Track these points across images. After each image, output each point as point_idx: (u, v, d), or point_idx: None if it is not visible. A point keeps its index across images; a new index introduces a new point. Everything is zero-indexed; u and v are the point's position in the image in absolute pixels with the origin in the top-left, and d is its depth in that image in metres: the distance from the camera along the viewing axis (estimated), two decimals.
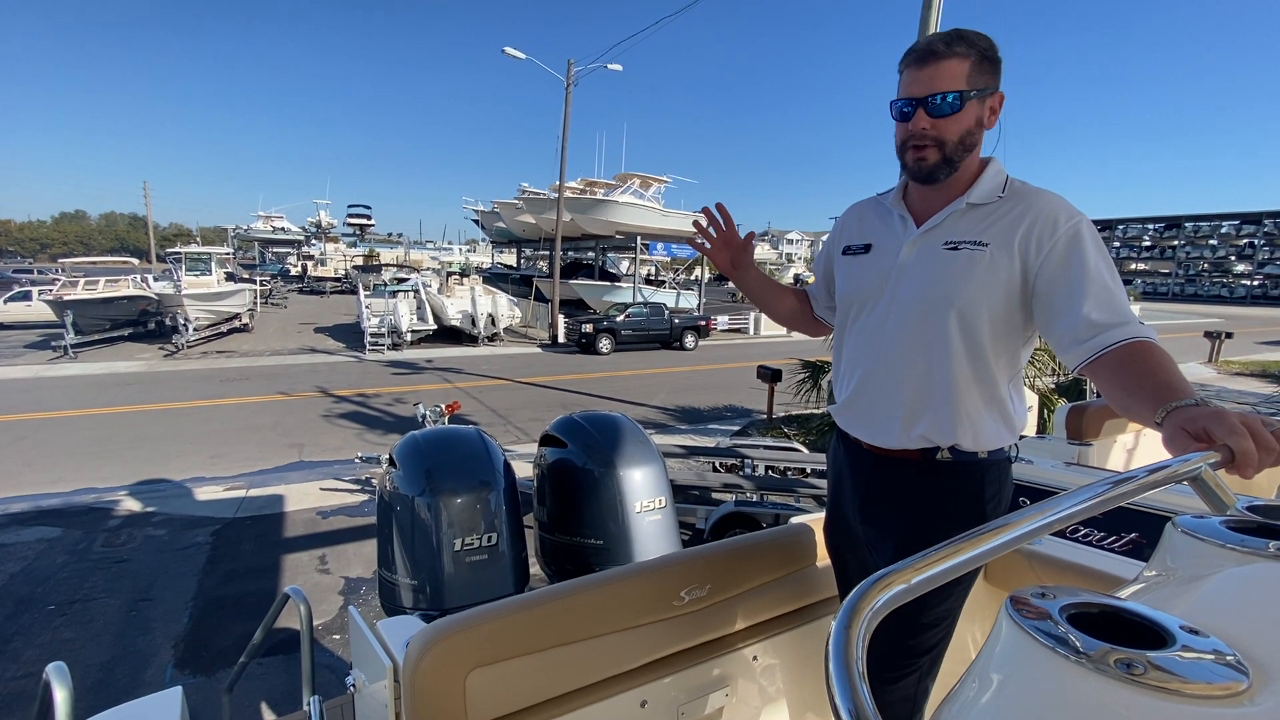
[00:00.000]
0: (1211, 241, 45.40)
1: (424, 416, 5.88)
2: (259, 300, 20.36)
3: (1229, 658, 0.32)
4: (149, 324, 16.44)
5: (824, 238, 1.57)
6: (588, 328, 16.18)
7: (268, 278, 28.86)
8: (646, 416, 9.74)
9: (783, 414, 9.07)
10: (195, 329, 15.18)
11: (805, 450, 6.34)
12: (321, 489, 6.30)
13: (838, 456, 1.43)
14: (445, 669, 1.06)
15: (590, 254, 27.73)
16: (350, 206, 59.36)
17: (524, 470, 3.54)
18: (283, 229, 52.10)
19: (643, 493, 2.05)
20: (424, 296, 17.29)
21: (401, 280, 21.50)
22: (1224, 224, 44.82)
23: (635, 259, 24.99)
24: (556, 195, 19.20)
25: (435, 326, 16.78)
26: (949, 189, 1.25)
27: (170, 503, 5.92)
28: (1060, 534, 1.82)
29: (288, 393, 10.70)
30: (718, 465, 6.04)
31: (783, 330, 21.15)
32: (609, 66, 16.92)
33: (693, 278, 28.21)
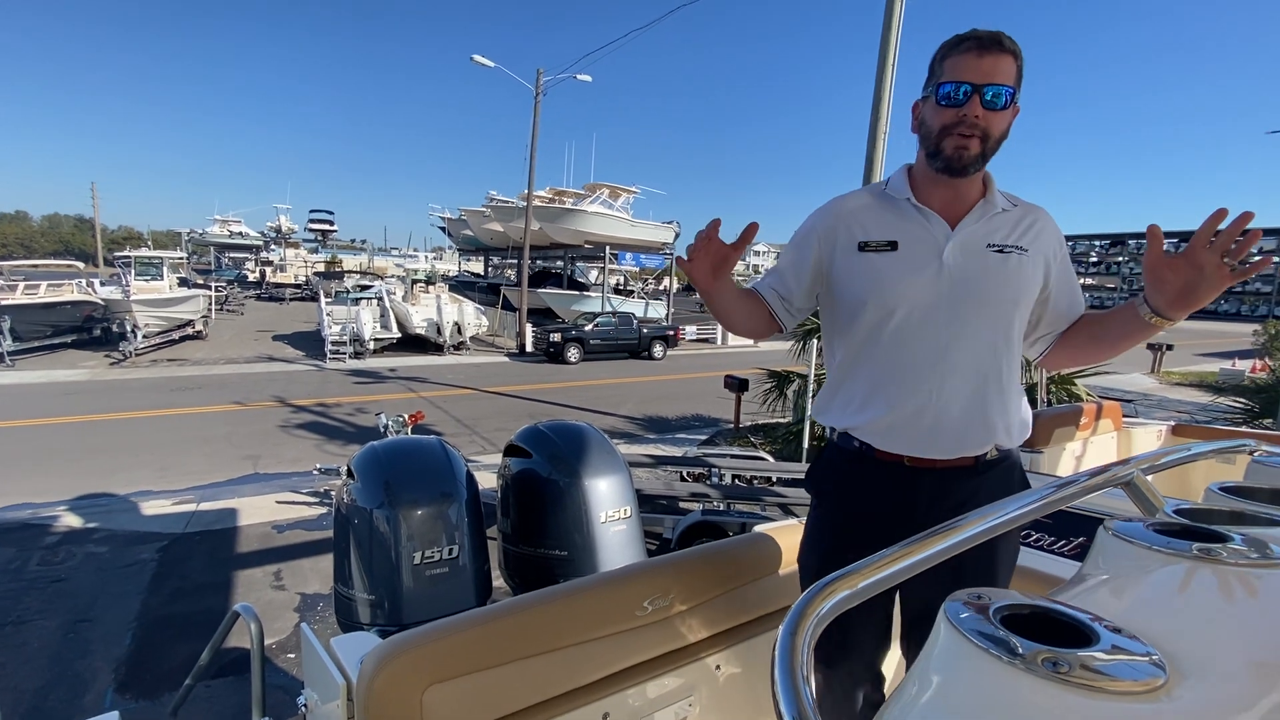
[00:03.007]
0: None
1: (386, 426, 5.75)
2: (214, 307, 19.70)
3: (1149, 655, 0.33)
4: (94, 330, 15.73)
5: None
6: (556, 337, 16.10)
7: (224, 283, 27.94)
8: (615, 426, 9.72)
9: (749, 423, 9.15)
10: (144, 336, 14.59)
11: (771, 459, 6.40)
12: (277, 502, 6.09)
13: (855, 478, 1.30)
14: (401, 686, 1.03)
15: (559, 263, 27.65)
16: (312, 211, 58.08)
17: (489, 481, 3.49)
18: (240, 234, 50.62)
19: (608, 503, 2.04)
20: (388, 304, 16.97)
21: (365, 287, 21.06)
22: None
23: (604, 268, 25.01)
24: (525, 204, 19.13)
25: (399, 335, 16.48)
26: (967, 190, 1.25)
27: (113, 518, 5.65)
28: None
29: (243, 402, 10.35)
30: (685, 474, 6.06)
31: (750, 341, 21.39)
32: (578, 77, 16.99)
33: (661, 288, 28.38)
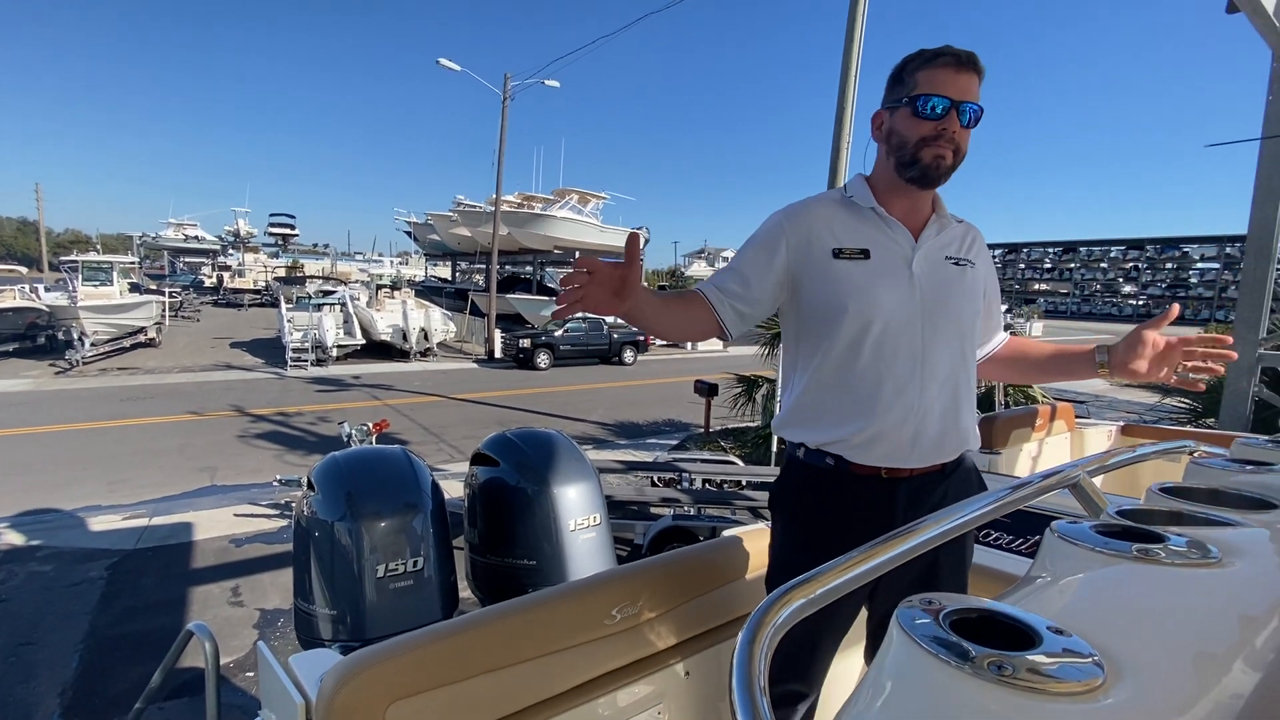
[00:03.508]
0: (1102, 265, 49.82)
1: (349, 435, 5.61)
2: (167, 313, 19.01)
3: (1088, 655, 0.35)
4: (38, 339, 15.03)
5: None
6: (525, 343, 15.98)
7: (178, 289, 27.00)
8: (585, 432, 9.68)
9: (719, 428, 9.21)
10: (93, 344, 13.99)
11: (741, 463, 6.45)
12: (235, 515, 5.90)
13: (831, 496, 1.26)
14: (362, 703, 1.01)
15: (528, 268, 27.46)
16: (272, 215, 56.51)
17: (456, 490, 3.44)
18: (196, 238, 48.99)
19: (577, 510, 2.03)
20: (351, 310, 16.62)
21: (327, 293, 20.59)
22: (1113, 249, 49.32)
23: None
24: (493, 208, 18.97)
25: (363, 341, 16.15)
26: (924, 202, 1.29)
27: (59, 535, 5.39)
28: (975, 539, 1.93)
29: (199, 412, 10.00)
30: (656, 480, 6.06)
31: (719, 345, 21.59)
32: (546, 83, 16.95)
33: None
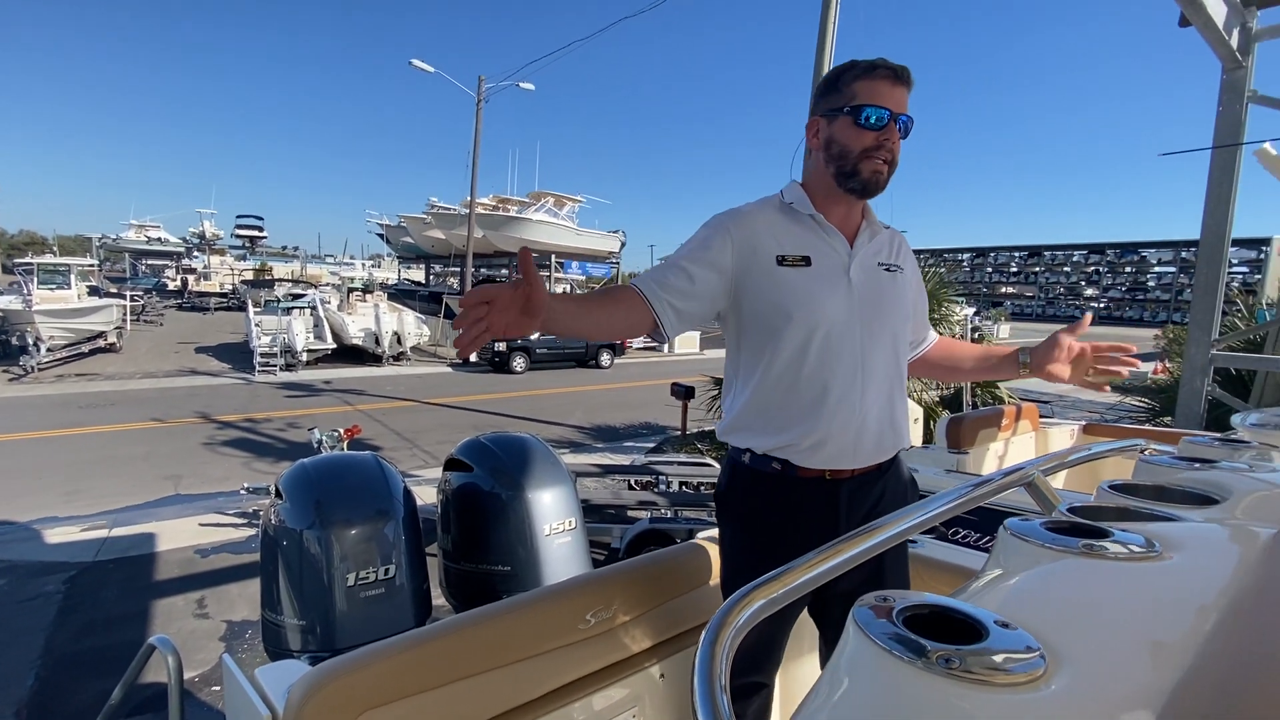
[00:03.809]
0: (1066, 268, 51.31)
1: (320, 442, 5.51)
2: (129, 317, 18.43)
3: (1031, 647, 0.36)
4: None
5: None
6: (501, 346, 15.85)
7: (140, 292, 26.17)
8: (563, 436, 9.64)
9: (696, 430, 9.26)
10: (49, 349, 13.51)
11: (718, 465, 6.49)
12: (201, 524, 5.74)
13: (778, 499, 1.28)
14: (331, 714, 0.99)
15: (503, 271, 27.29)
16: (239, 217, 55.21)
17: (430, 496, 3.39)
18: (159, 239, 47.59)
19: (552, 515, 2.03)
20: (322, 313, 16.32)
21: (297, 296, 20.16)
22: (1075, 253, 50.85)
23: (550, 277, 24.85)
24: (467, 211, 18.81)
25: (334, 345, 15.87)
26: (857, 210, 1.33)
27: (12, 548, 5.18)
28: (942, 536, 1.97)
29: (162, 419, 9.72)
30: (633, 483, 6.07)
31: (697, 348, 21.66)
32: (521, 85, 16.90)
33: None
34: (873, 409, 1.26)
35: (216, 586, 4.62)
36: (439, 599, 2.08)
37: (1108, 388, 1.37)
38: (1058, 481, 3.20)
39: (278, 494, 1.79)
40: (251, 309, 17.05)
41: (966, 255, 56.72)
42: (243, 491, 5.87)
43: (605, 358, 17.58)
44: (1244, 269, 34.86)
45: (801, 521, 1.26)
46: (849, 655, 0.37)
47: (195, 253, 46.94)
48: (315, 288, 24.17)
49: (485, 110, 17.26)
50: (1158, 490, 0.70)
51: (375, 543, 1.72)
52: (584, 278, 28.47)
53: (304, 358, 14.92)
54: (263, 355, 14.23)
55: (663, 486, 5.64)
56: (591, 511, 5.17)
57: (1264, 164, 3.14)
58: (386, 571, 1.70)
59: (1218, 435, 1.13)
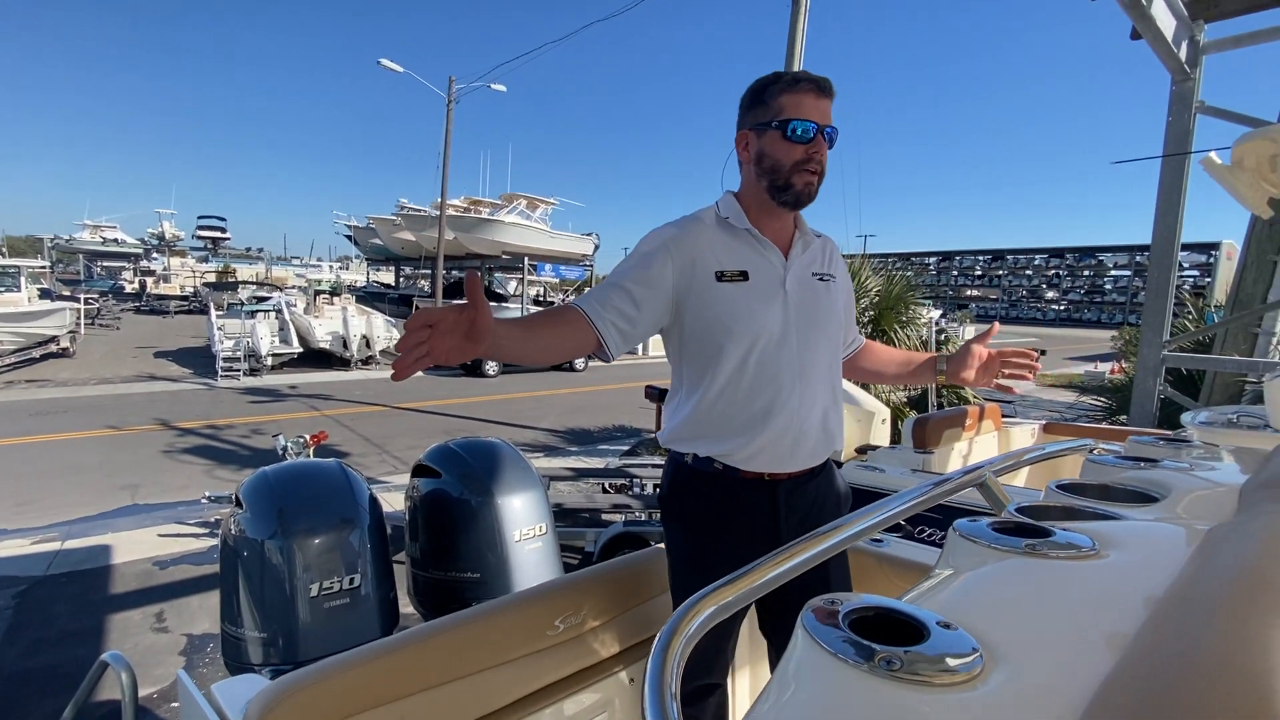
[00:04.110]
0: (1027, 272, 52.86)
1: (285, 449, 5.38)
2: (83, 321, 17.77)
3: (971, 646, 0.38)
4: None
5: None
6: None
7: (95, 295, 25.25)
8: (536, 439, 9.58)
9: None
10: None
11: None
12: (160, 535, 5.55)
13: (720, 500, 1.31)
14: None
15: (476, 273, 26.99)
16: (201, 218, 53.67)
17: (400, 503, 3.34)
18: (116, 240, 46.01)
19: (522, 521, 2.01)
20: (288, 316, 15.95)
21: (262, 299, 19.68)
22: (1037, 257, 52.42)
23: (524, 279, 24.69)
24: (438, 212, 18.59)
25: (301, 349, 15.52)
26: (789, 221, 1.36)
27: None
28: (908, 535, 2.01)
29: (118, 427, 9.39)
30: (607, 486, 6.05)
31: None
32: (492, 86, 16.78)
33: None
34: (810, 416, 1.30)
35: (176, 599, 4.48)
36: (407, 608, 2.05)
37: (1016, 389, 1.46)
38: (1020, 480, 3.29)
39: (238, 503, 1.74)
40: (214, 312, 16.58)
41: (933, 259, 58.04)
42: (204, 500, 5.67)
43: (579, 360, 17.51)
44: (1195, 273, 36.31)
45: (742, 520, 1.31)
46: (797, 659, 0.37)
47: (154, 254, 45.52)
48: (280, 290, 23.63)
49: (456, 111, 17.10)
50: (1102, 489, 0.73)
51: (340, 552, 1.69)
52: (557, 280, 28.32)
53: (269, 362, 14.57)
54: (225, 360, 13.85)
55: (637, 489, 5.63)
56: (565, 516, 5.14)
57: (1210, 172, 3.28)
58: (351, 581, 1.67)
59: (1163, 434, 1.18)
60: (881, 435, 5.13)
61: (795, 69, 8.51)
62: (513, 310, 22.10)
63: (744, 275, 1.27)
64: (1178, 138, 4.80)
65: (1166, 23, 4.35)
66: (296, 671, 1.04)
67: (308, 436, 5.36)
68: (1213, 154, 3.31)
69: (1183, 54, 4.62)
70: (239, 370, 13.82)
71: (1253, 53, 4.94)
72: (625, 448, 9.26)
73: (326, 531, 1.69)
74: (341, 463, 1.94)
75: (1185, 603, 0.37)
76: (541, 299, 28.42)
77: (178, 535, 5.56)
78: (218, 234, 52.81)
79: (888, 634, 0.38)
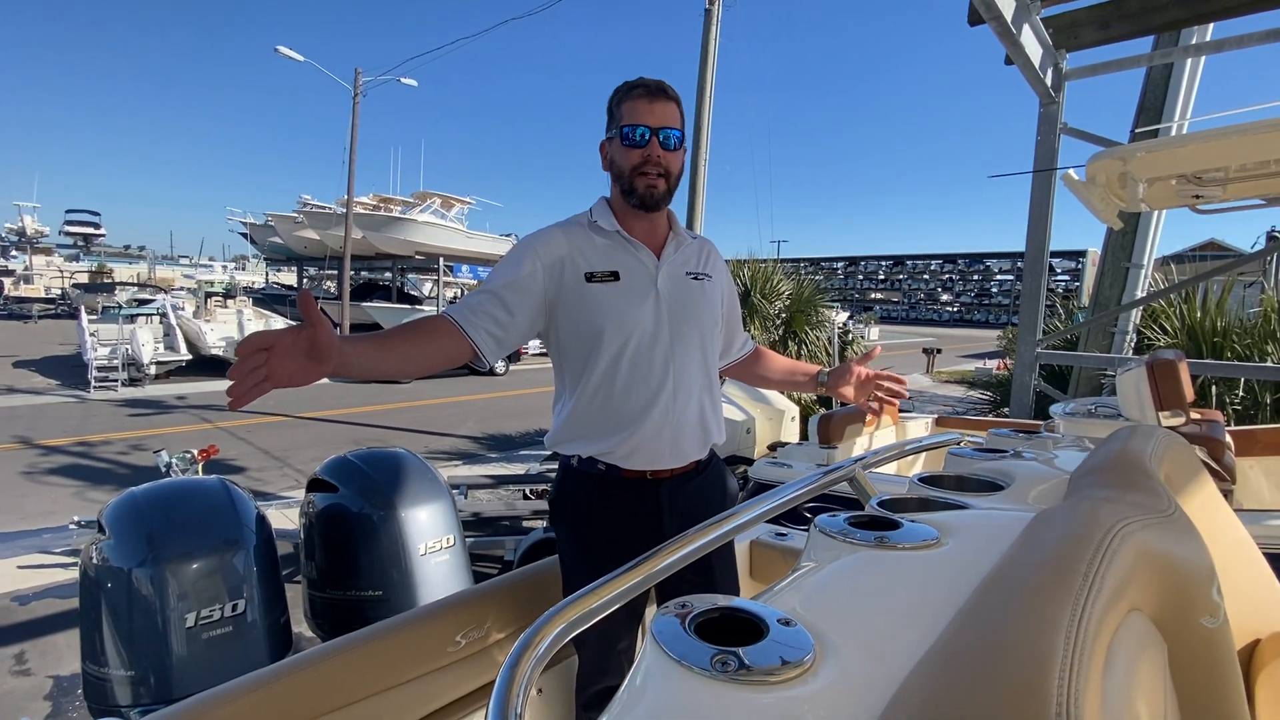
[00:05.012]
0: (925, 276, 56.84)
1: (168, 465, 4.93)
2: None
3: (806, 642, 0.40)
4: None
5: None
6: None
7: None
8: (454, 447, 9.29)
9: None
10: None
11: None
12: (20, 567, 4.95)
13: (606, 500, 1.33)
14: None
15: (387, 274, 25.87)
16: (70, 212, 48.35)
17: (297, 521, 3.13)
18: None
19: (429, 533, 1.94)
20: (174, 321, 14.67)
21: (143, 301, 17.98)
22: (932, 263, 56.48)
23: (439, 281, 23.88)
24: (344, 210, 17.67)
25: (190, 357, 14.31)
26: (659, 221, 1.39)
27: None
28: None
29: None
30: (529, 492, 5.95)
31: None
32: (402, 80, 16.15)
33: None
34: (685, 412, 1.34)
35: (40, 637, 4.00)
36: (308, 631, 1.93)
37: (887, 410, 1.61)
38: (920, 467, 3.52)
39: (101, 529, 1.58)
40: (85, 316, 14.96)
41: (841, 264, 61.23)
42: (72, 526, 5.12)
43: (500, 364, 17.17)
44: (1066, 278, 40.25)
45: (627, 520, 1.33)
46: (645, 665, 0.38)
47: (14, 252, 40.57)
48: (166, 292, 21.70)
49: (365, 106, 16.32)
50: (958, 480, 0.79)
51: (221, 576, 1.56)
52: (475, 281, 27.62)
53: (152, 371, 13.34)
54: (100, 369, 12.54)
55: None
56: (484, 524, 5.02)
57: (1069, 187, 3.65)
58: (235, 608, 1.55)
59: (1023, 425, 1.30)
60: (792, 432, 5.35)
61: (708, 80, 8.73)
62: (427, 312, 21.31)
63: (614, 275, 1.31)
64: (1045, 155, 5.30)
65: (1034, 50, 4.79)
66: (165, 710, 0.96)
67: (195, 451, 4.93)
68: (1071, 171, 3.70)
69: (1049, 79, 5.11)
70: (116, 380, 12.55)
71: (1109, 79, 5.54)
72: (547, 453, 9.15)
73: (205, 555, 1.55)
74: (224, 479, 1.80)
75: (996, 587, 0.40)
76: (458, 301, 27.54)
77: (41, 566, 4.97)
78: (90, 230, 47.83)
79: (735, 633, 0.39)
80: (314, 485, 1.95)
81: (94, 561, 1.54)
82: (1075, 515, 0.48)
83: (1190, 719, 0.49)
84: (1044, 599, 0.35)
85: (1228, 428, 2.96)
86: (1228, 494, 2.54)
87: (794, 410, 4.98)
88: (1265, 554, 0.98)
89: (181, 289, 24.91)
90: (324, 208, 24.55)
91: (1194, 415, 2.87)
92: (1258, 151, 2.68)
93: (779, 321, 8.71)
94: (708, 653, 0.36)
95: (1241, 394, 5.37)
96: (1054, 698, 0.26)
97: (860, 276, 60.34)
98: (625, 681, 0.39)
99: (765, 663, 0.36)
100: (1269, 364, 5.24)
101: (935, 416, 4.50)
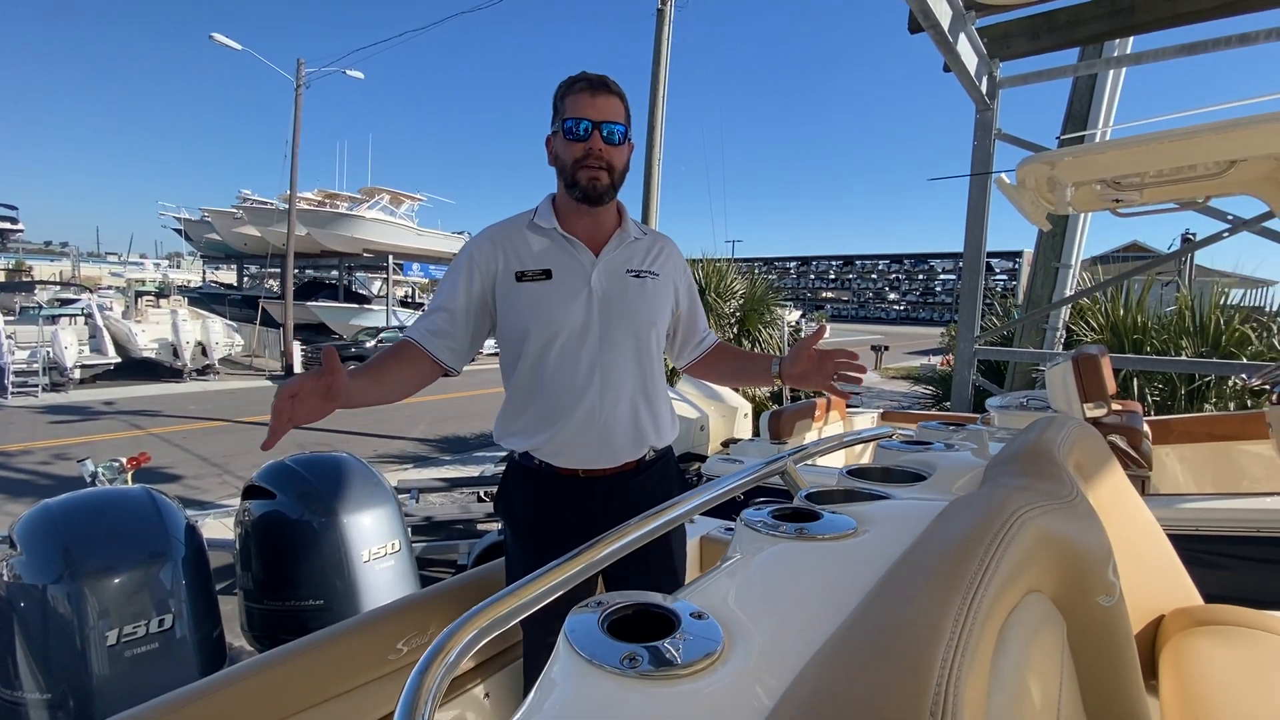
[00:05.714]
0: (873, 276, 58.64)
1: (94, 475, 4.65)
2: None
3: (716, 634, 0.40)
4: None
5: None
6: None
7: None
8: (406, 450, 9.07)
9: None
10: None
11: None
12: None
13: (541, 496, 1.35)
14: None
15: (333, 272, 25.05)
16: None
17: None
18: None
19: (373, 539, 1.89)
20: (101, 322, 13.85)
21: (66, 301, 16.90)
22: (880, 262, 58.30)
23: (388, 279, 23.26)
24: (287, 205, 17.01)
25: (118, 360, 13.53)
26: (605, 218, 1.38)
27: None
28: None
29: None
30: (483, 494, 5.86)
31: None
32: (348, 73, 15.66)
33: None
34: (615, 411, 1.33)
35: None
36: (245, 644, 1.85)
37: (851, 395, 1.57)
38: (866, 461, 3.62)
39: (12, 544, 1.48)
40: (1, 317, 13.98)
41: (793, 263, 62.59)
42: None
43: None
44: (1004, 277, 42.12)
45: (559, 517, 1.34)
46: (559, 664, 0.38)
47: None
48: (92, 291, 20.44)
49: (310, 98, 15.74)
50: (884, 471, 0.82)
51: (147, 591, 1.48)
52: (426, 280, 27.02)
53: (76, 375, 12.56)
54: (18, 373, 11.74)
55: None
56: (438, 528, 4.92)
57: (1002, 191, 3.82)
58: (161, 623, 1.48)
59: (953, 418, 1.35)
60: (745, 429, 5.43)
61: (661, 79, 8.75)
62: (376, 312, 20.76)
63: (547, 274, 1.32)
64: (981, 159, 5.54)
65: (970, 59, 5.00)
66: None
67: (124, 460, 4.65)
68: (1003, 175, 3.87)
69: (984, 87, 5.34)
70: (37, 386, 11.77)
71: (1042, 87, 5.83)
72: (502, 454, 9.01)
73: (128, 569, 1.47)
74: (150, 488, 1.71)
75: (900, 573, 0.42)
76: (410, 299, 26.94)
77: None
78: (6, 225, 44.66)
79: (650, 629, 0.39)
80: (250, 492, 1.87)
81: (5, 579, 1.43)
82: (981, 502, 0.51)
83: (1089, 692, 0.52)
84: (939, 583, 0.37)
85: (1146, 418, 3.16)
86: (1144, 480, 2.71)
87: (747, 407, 5.06)
88: (1178, 536, 1.05)
89: (109, 288, 23.50)
90: (265, 203, 23.60)
91: (1115, 406, 3.06)
92: (1171, 158, 2.85)
93: (733, 320, 8.83)
94: (617, 650, 0.37)
95: (1160, 386, 5.73)
96: (934, 676, 0.28)
97: (812, 276, 61.78)
98: (538, 681, 0.39)
99: (673, 657, 0.37)
100: (1183, 358, 5.61)
101: (881, 411, 4.65)
